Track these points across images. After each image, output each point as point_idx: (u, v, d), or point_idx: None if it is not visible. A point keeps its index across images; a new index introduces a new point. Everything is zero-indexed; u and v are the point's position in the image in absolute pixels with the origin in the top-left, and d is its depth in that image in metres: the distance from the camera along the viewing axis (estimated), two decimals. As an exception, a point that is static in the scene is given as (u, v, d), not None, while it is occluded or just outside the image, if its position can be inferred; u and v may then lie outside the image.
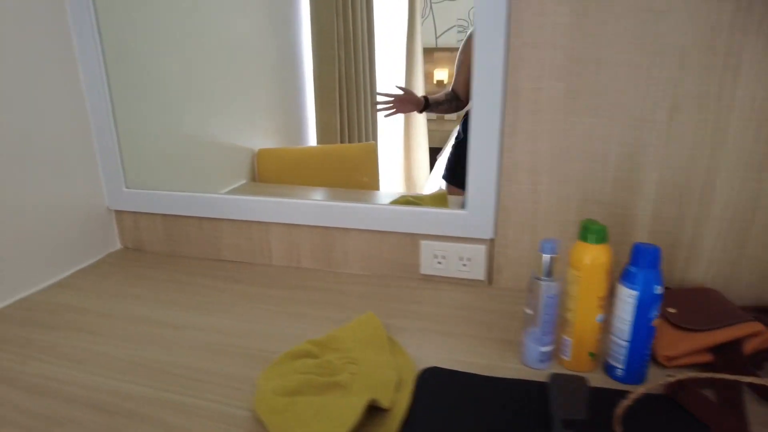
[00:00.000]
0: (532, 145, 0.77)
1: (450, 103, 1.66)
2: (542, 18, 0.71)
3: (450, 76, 2.78)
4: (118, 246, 1.03)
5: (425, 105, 1.43)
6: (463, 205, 0.82)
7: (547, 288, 0.61)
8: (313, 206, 0.90)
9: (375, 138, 2.03)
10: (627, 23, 0.69)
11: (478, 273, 0.85)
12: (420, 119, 2.45)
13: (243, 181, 1.42)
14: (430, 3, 2.68)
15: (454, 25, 3.12)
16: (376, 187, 1.55)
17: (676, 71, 0.69)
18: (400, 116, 2.16)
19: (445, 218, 0.83)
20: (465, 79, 1.47)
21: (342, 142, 1.89)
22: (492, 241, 0.83)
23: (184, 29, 1.12)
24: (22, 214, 0.81)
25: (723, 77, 0.68)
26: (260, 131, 1.53)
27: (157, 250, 1.01)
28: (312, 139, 1.91)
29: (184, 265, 0.95)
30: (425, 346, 0.68)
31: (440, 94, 1.60)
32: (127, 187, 0.98)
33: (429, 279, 0.88)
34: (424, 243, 0.86)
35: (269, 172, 1.48)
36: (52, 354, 0.67)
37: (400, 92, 1.42)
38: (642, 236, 0.77)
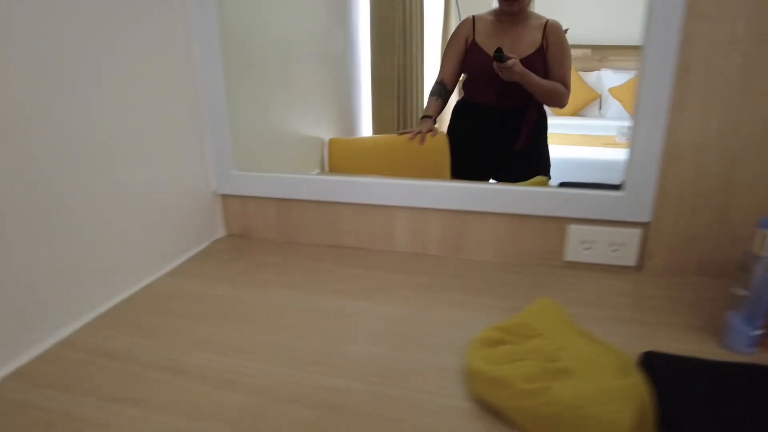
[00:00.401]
0: (700, 124, 0.73)
1: (443, 99, 1.61)
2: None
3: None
4: (223, 233, 0.97)
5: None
6: (619, 187, 0.78)
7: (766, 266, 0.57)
8: (446, 188, 0.85)
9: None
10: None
11: (629, 259, 0.81)
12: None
13: (316, 171, 1.37)
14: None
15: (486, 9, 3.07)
16: (447, 178, 1.51)
17: None
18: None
19: (599, 201, 0.79)
20: (451, 70, 1.46)
21: (398, 132, 1.85)
22: (647, 224, 0.79)
23: (275, 23, 1.08)
24: (139, 201, 0.75)
25: None
26: (325, 122, 1.48)
27: (266, 237, 0.95)
28: (367, 131, 1.87)
29: (301, 251, 0.89)
30: (606, 334, 0.63)
31: (434, 99, 1.55)
32: (237, 170, 0.91)
33: (572, 266, 0.83)
34: (572, 227, 0.81)
35: (340, 161, 1.42)
36: (213, 344, 0.61)
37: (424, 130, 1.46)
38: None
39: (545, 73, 1.35)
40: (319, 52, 1.46)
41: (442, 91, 1.59)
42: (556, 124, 2.66)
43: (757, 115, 0.71)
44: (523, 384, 0.49)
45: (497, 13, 1.43)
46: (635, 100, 0.75)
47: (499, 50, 1.35)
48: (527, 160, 1.46)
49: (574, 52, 2.98)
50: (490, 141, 1.47)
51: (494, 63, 1.35)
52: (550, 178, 1.47)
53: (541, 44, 1.36)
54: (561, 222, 0.82)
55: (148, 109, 0.75)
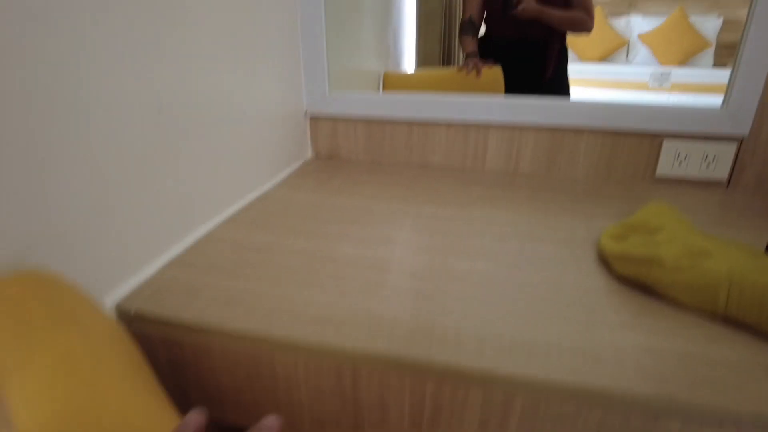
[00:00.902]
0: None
1: (475, 35, 1.64)
2: None
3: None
4: (310, 155, 0.99)
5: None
6: (724, 101, 0.79)
7: None
8: (541, 105, 0.86)
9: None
10: None
11: (722, 173, 0.83)
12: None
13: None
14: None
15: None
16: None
17: None
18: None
19: (698, 115, 0.80)
20: (476, 4, 1.47)
21: (443, 64, 1.84)
22: (744, 139, 0.80)
23: None
24: (245, 118, 0.75)
25: None
26: (379, 56, 1.47)
27: (355, 158, 0.97)
28: (411, 67, 1.86)
29: (392, 171, 0.91)
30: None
31: (469, 37, 1.57)
32: (330, 91, 0.92)
33: (662, 180, 0.85)
34: (667, 142, 0.83)
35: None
36: (353, 239, 0.64)
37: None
38: None
39: (565, 2, 1.40)
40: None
41: (471, 28, 1.61)
42: (583, 70, 2.63)
43: None
44: (674, 262, 0.51)
45: None
46: (747, 20, 0.75)
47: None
48: (553, 92, 1.51)
49: (602, -2, 2.85)
50: (516, 74, 1.50)
51: (504, 11, 1.38)
52: None
53: None
54: (656, 138, 0.83)
55: (250, 29, 0.75)
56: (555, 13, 1.43)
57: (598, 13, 2.62)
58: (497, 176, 0.89)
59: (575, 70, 2.41)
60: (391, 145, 0.94)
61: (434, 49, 1.79)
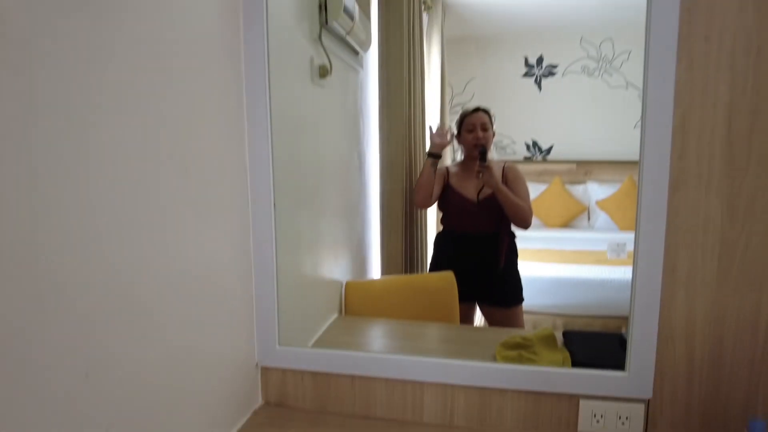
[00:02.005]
0: (688, 312, 0.86)
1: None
2: (697, 208, 0.83)
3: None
4: (260, 402, 1.04)
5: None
6: (624, 367, 0.89)
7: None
8: (470, 367, 0.95)
9: (425, 264, 2.11)
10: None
11: (636, 430, 0.90)
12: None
13: (335, 315, 1.46)
14: (448, 120, 2.92)
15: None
16: (456, 318, 1.61)
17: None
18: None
19: (606, 380, 0.90)
20: (427, 195, 1.70)
21: (405, 267, 1.98)
22: (649, 401, 0.89)
23: (302, 168, 1.21)
24: (188, 366, 0.81)
25: None
26: (342, 265, 1.60)
27: (303, 407, 1.03)
28: (376, 268, 1.99)
29: (335, 422, 0.97)
30: None
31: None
32: (279, 345, 1.01)
33: (585, 436, 0.92)
34: (583, 402, 0.91)
35: (356, 304, 1.53)
36: None
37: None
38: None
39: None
40: (340, 201, 1.61)
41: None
42: (548, 237, 2.82)
43: (736, 307, 0.84)
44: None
45: (464, 163, 1.75)
46: (631, 295, 0.88)
47: (483, 149, 1.63)
48: (504, 281, 1.72)
49: (560, 167, 3.23)
50: (470, 265, 1.66)
51: (477, 163, 1.62)
52: (522, 298, 1.69)
53: (501, 181, 1.63)
54: (573, 398, 0.91)
55: (203, 274, 0.85)
56: (509, 194, 1.62)
57: (557, 181, 2.88)
58: (435, 429, 0.95)
59: (541, 237, 2.60)
60: (336, 396, 1.01)
61: (398, 249, 1.95)
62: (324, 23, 1.24)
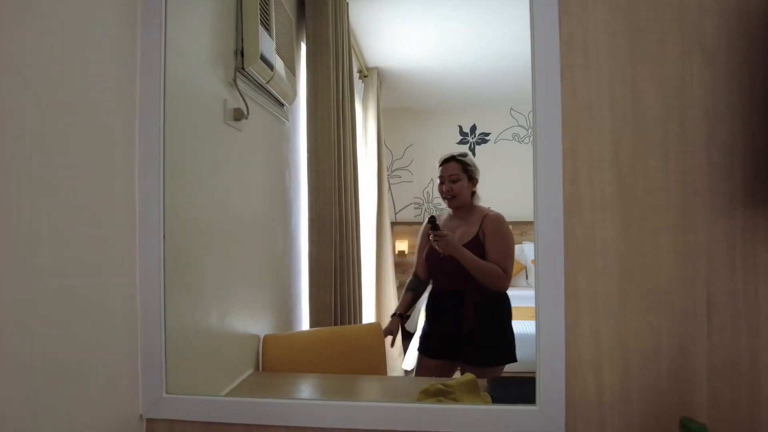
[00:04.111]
0: (594, 339, 0.84)
1: (415, 291, 1.76)
2: (593, 231, 0.84)
3: (410, 247, 3.00)
4: (144, 461, 0.92)
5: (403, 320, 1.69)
6: (533, 401, 0.85)
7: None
8: (377, 408, 0.88)
9: (360, 318, 2.05)
10: (665, 239, 0.82)
11: (554, 470, 0.84)
12: (392, 291, 2.53)
13: (250, 371, 1.35)
14: (389, 183, 2.99)
15: (411, 203, 3.44)
16: (384, 369, 1.53)
17: (707, 274, 0.82)
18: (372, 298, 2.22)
19: (517, 415, 0.85)
20: (423, 260, 1.61)
21: (336, 321, 1.90)
22: (564, 436, 0.84)
23: (209, 215, 1.16)
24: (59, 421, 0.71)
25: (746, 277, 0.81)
26: (261, 317, 1.51)
27: (191, 464, 0.91)
28: (305, 320, 1.90)
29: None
30: None
31: (407, 294, 1.70)
32: (167, 393, 0.91)
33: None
34: (495, 442, 0.85)
35: (276, 358, 1.42)
36: None
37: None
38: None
39: (484, 259, 1.50)
40: (261, 252, 1.55)
41: (414, 283, 1.73)
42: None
43: (639, 330, 0.83)
44: None
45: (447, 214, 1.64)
46: (536, 324, 0.85)
47: (432, 218, 1.53)
48: (478, 340, 1.54)
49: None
50: (444, 323, 1.56)
51: (430, 234, 1.51)
52: (506, 359, 1.48)
53: (478, 234, 1.52)
54: (485, 437, 0.85)
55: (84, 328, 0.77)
56: (471, 257, 1.48)
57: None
58: (339, 482, 0.86)
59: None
60: (230, 450, 0.90)
61: (328, 301, 1.87)
62: (240, 68, 1.25)
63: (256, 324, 1.46)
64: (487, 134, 3.07)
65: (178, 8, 0.96)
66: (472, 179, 1.59)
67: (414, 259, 1.70)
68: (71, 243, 0.75)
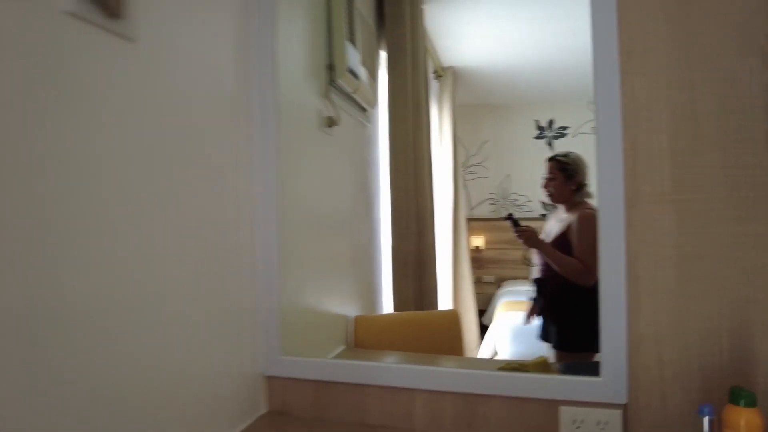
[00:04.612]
0: (653, 320, 0.93)
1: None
2: (652, 223, 0.93)
3: (486, 243, 3.08)
4: (264, 409, 1.13)
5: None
6: (598, 373, 0.95)
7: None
8: (457, 374, 1.02)
9: (435, 305, 2.20)
10: (723, 230, 0.89)
11: (615, 435, 0.94)
12: (468, 285, 2.64)
13: (342, 347, 1.55)
14: (464, 180, 3.09)
15: (487, 199, 3.50)
16: (461, 352, 1.67)
17: (768, 263, 0.88)
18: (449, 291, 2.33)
19: (583, 386, 0.96)
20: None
21: (417, 307, 2.06)
22: (626, 405, 0.94)
23: (306, 210, 1.36)
24: (187, 376, 0.92)
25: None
26: (351, 300, 1.71)
27: (304, 414, 1.11)
28: (386, 307, 2.08)
29: (335, 428, 1.04)
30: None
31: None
32: (283, 354, 1.11)
33: (568, 442, 0.97)
34: (563, 409, 0.96)
35: (365, 337, 1.61)
36: None
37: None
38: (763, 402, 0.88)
39: (569, 254, 1.61)
40: (348, 240, 1.74)
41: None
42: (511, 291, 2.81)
43: (698, 312, 0.91)
44: None
45: None
46: (600, 304, 0.95)
47: (510, 215, 1.68)
48: (563, 326, 1.65)
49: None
50: (540, 309, 1.69)
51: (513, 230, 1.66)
52: (591, 351, 1.55)
53: (566, 229, 1.63)
54: (554, 404, 0.97)
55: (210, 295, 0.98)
56: (551, 250, 1.61)
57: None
58: (425, 435, 1.02)
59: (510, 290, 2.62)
60: (334, 404, 1.09)
61: (408, 290, 2.04)
62: (331, 81, 1.44)
63: (345, 306, 1.65)
64: (566, 128, 3.08)
65: (282, 28, 1.15)
66: (572, 178, 1.66)
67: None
68: (207, 233, 0.96)
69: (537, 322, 1.72)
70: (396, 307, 2.04)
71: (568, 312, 1.64)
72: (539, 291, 1.72)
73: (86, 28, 0.67)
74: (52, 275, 0.63)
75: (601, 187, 0.95)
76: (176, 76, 0.88)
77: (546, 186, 1.71)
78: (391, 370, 1.06)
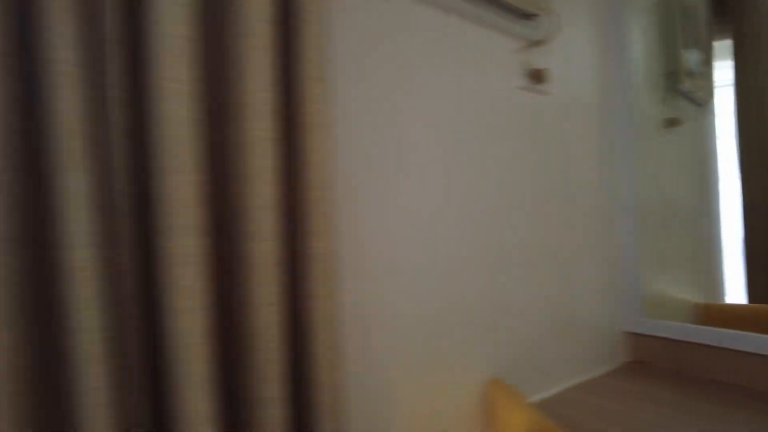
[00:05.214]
0: None
1: None
2: None
3: None
4: (625, 359, 1.44)
5: None
6: None
7: None
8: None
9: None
10: None
11: None
12: None
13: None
14: None
15: None
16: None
17: None
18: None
19: None
20: None
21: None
22: None
23: (654, 203, 1.57)
24: (576, 325, 1.29)
25: None
26: (690, 285, 1.81)
27: (660, 366, 1.37)
28: (732, 298, 2.02)
29: (696, 381, 1.28)
30: None
31: None
32: (642, 317, 1.40)
33: None
34: None
35: (712, 322, 1.71)
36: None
37: None
38: None
39: None
40: (692, 231, 1.86)
41: None
42: None
43: None
44: None
45: None
46: None
47: None
48: None
49: None
50: None
51: None
52: None
53: None
54: None
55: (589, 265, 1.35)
56: None
57: None
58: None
59: None
60: (690, 361, 1.31)
61: (764, 282, 1.92)
62: (670, 86, 1.62)
63: (689, 292, 1.79)
64: None
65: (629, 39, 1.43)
66: None
67: None
68: (578, 227, 1.33)
69: None
70: (750, 300, 1.97)
71: None
72: None
73: (529, 95, 1.14)
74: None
75: None
76: (562, 98, 1.28)
77: None
78: (750, 337, 1.22)
